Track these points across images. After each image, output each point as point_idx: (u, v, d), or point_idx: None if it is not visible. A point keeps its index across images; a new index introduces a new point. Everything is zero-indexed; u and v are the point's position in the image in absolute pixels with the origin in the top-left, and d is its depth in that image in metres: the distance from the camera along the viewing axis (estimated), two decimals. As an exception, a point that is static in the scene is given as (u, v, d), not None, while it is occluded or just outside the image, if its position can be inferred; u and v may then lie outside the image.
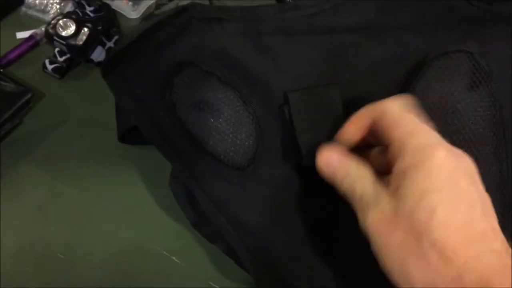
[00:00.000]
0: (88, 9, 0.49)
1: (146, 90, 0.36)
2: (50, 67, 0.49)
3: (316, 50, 0.37)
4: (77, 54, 0.48)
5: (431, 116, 0.29)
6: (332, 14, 0.37)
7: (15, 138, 0.46)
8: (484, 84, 0.36)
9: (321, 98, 0.35)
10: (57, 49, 0.49)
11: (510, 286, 0.22)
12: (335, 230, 0.36)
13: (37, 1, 0.54)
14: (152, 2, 0.53)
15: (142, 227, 0.42)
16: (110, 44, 0.50)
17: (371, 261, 0.26)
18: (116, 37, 0.50)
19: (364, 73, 0.37)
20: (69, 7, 0.53)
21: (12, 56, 0.50)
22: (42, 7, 0.54)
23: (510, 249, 0.25)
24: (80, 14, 0.49)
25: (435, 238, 0.24)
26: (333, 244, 0.35)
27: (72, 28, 0.47)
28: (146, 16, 0.52)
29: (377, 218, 0.26)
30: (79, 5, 0.50)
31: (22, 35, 0.52)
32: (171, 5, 0.53)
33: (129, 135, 0.41)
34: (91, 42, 0.48)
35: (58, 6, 0.54)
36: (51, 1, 0.54)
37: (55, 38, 0.47)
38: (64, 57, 0.49)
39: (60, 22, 0.47)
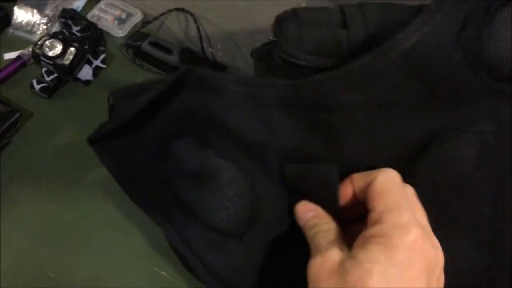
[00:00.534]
0: (75, 28, 0.50)
1: (137, 161, 0.36)
2: (37, 86, 0.50)
3: (318, 125, 0.36)
4: (64, 73, 0.48)
5: (438, 195, 0.31)
6: (338, 91, 0.36)
7: (3, 157, 0.46)
8: (490, 163, 0.35)
9: (318, 178, 0.33)
10: (44, 69, 0.50)
11: None
12: None
13: (23, 22, 0.55)
14: (138, 20, 0.54)
15: (131, 244, 0.42)
16: (97, 62, 0.51)
17: None
18: (102, 56, 0.51)
19: (369, 151, 0.36)
20: (56, 27, 0.54)
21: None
22: (29, 28, 0.55)
23: None
24: (67, 34, 0.49)
25: None
26: None
27: (58, 48, 0.48)
28: (132, 34, 0.53)
29: (320, 263, 0.28)
30: (65, 25, 0.50)
31: (9, 56, 0.53)
32: (156, 23, 0.54)
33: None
34: (78, 61, 0.48)
35: (45, 27, 0.55)
36: (38, 22, 0.55)
37: (42, 58, 0.48)
38: (51, 77, 0.50)
39: (47, 42, 0.48)
